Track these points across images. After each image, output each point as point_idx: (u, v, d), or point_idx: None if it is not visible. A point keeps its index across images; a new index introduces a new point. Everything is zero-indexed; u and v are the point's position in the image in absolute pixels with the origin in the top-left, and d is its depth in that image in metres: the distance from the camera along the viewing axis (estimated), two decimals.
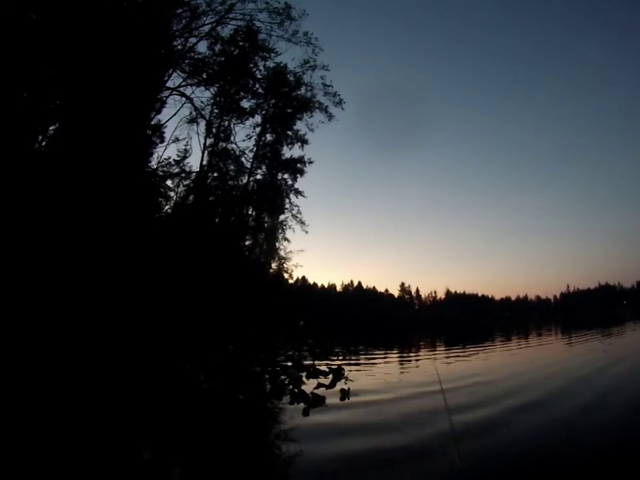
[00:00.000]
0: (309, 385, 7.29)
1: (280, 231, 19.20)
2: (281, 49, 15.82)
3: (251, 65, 15.34)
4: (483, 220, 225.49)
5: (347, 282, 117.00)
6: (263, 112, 17.23)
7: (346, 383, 7.60)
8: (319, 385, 7.35)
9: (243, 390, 6.83)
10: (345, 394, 6.64)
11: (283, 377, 7.92)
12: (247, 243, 16.99)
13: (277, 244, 19.26)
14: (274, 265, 19.68)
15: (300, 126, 17.87)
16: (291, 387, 7.10)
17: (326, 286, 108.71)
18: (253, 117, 16.70)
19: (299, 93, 17.12)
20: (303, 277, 78.39)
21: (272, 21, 14.95)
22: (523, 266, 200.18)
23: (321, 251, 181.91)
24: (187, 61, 13.70)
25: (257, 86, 15.99)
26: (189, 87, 14.34)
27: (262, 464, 3.65)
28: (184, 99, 14.11)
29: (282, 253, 19.26)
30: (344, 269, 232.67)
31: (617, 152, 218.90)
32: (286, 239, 19.18)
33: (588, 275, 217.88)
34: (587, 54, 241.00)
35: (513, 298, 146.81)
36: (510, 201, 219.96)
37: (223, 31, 15.00)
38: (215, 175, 14.53)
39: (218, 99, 15.33)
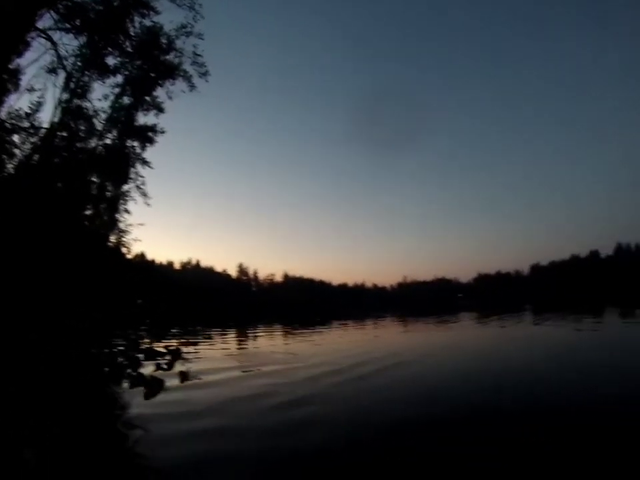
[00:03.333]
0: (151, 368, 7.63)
1: (122, 201, 17.87)
2: (161, 8, 14.75)
3: (127, 20, 13.93)
4: (326, 207, 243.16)
5: (186, 260, 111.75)
6: (127, 72, 15.72)
7: (184, 365, 8.21)
8: (158, 367, 7.74)
9: (79, 374, 6.69)
10: (184, 376, 7.28)
11: (120, 359, 7.94)
12: (87, 212, 15.33)
13: (117, 215, 17.87)
14: (113, 238, 18.20)
15: (159, 92, 16.89)
16: (129, 370, 7.28)
17: (165, 263, 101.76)
18: (115, 76, 15.16)
19: (167, 57, 16.24)
20: (142, 253, 71.18)
21: None
22: (361, 255, 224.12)
23: (163, 227, 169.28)
24: (63, 3, 11.65)
25: (127, 43, 14.56)
26: (58, 31, 12.24)
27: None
28: (49, 44, 11.97)
29: (122, 225, 17.96)
30: (186, 247, 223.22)
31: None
32: (127, 211, 17.94)
33: (424, 267, 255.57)
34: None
35: (351, 284, 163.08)
36: (351, 195, 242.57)
37: None
38: (65, 134, 12.71)
39: (84, 50, 13.49)
